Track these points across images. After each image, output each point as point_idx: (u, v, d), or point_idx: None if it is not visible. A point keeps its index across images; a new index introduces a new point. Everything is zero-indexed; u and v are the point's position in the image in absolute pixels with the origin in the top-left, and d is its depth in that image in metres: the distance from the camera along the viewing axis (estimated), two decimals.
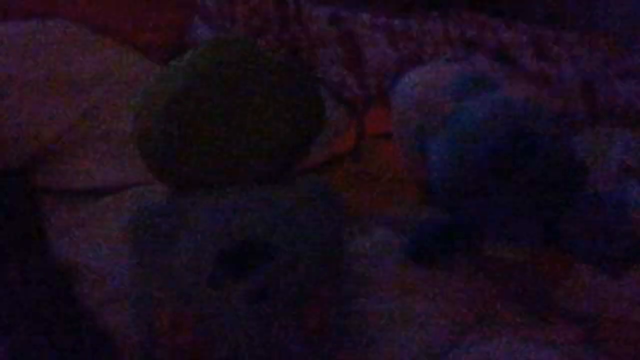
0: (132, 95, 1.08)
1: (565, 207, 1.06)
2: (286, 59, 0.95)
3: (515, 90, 1.16)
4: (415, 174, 1.21)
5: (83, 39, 1.26)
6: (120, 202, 1.11)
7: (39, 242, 1.11)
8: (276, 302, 0.86)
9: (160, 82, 0.93)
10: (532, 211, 1.05)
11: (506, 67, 1.38)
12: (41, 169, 1.18)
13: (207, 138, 0.89)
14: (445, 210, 1.12)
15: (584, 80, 1.54)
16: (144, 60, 1.30)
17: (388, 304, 1.01)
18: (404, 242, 1.10)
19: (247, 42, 0.94)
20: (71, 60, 1.22)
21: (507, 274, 1.05)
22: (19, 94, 1.18)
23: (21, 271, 1.07)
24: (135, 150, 0.93)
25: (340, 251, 0.91)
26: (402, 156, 1.23)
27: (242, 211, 0.87)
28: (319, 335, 0.87)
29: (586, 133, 1.36)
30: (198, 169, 0.89)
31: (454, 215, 1.10)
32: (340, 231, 0.91)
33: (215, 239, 0.86)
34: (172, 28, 1.37)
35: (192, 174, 0.90)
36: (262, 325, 0.86)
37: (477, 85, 1.13)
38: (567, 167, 1.05)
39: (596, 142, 1.31)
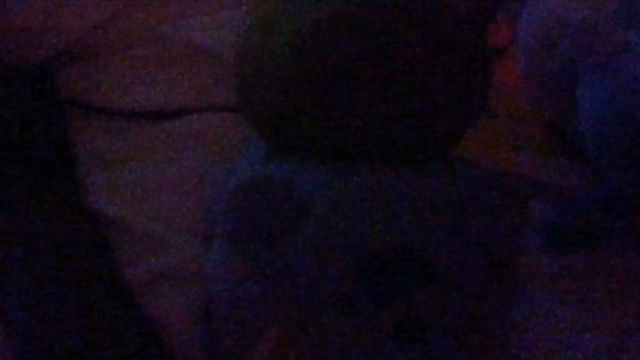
0: None
1: None
2: None
3: None
4: (550, 116, 0.95)
5: None
6: (180, 132, 0.84)
7: (65, 177, 0.84)
8: (434, 339, 0.60)
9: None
10: None
11: None
12: (67, 75, 0.91)
13: (356, 90, 0.61)
14: (598, 174, 0.86)
15: None
16: None
17: (529, 310, 0.76)
18: (539, 214, 0.85)
19: None
20: None
21: None
22: None
23: (46, 218, 0.80)
24: (236, 90, 0.65)
25: (515, 266, 0.65)
26: (528, 89, 0.96)
27: (394, 205, 0.59)
28: None
29: None
30: (337, 133, 0.62)
31: (611, 185, 0.84)
32: (520, 238, 0.65)
33: (354, 243, 0.59)
34: None
35: (324, 139, 0.62)
36: None
37: None
38: None
39: None
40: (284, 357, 0.60)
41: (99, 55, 0.91)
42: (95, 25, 0.93)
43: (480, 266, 0.61)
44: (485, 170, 0.65)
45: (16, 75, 0.91)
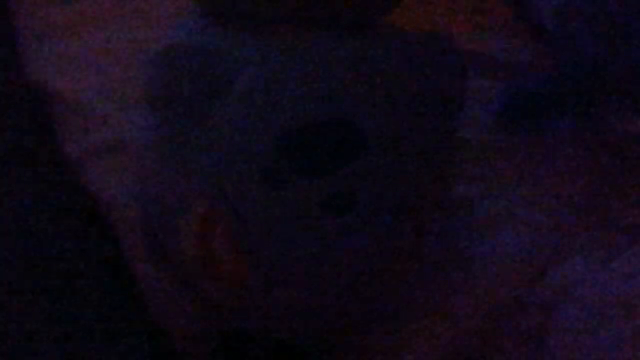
0: None
1: None
2: None
3: None
4: None
5: None
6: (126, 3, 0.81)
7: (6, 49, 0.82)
8: (363, 213, 0.57)
9: None
10: None
11: None
12: None
13: None
14: (554, 52, 0.84)
15: None
16: None
17: (475, 192, 0.75)
18: (492, 93, 0.83)
19: None
20: None
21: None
22: None
23: None
24: None
25: (453, 140, 0.63)
26: None
27: (324, 75, 0.56)
28: (413, 259, 0.61)
29: None
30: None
31: (568, 62, 0.82)
32: (456, 112, 0.62)
33: (279, 113, 0.56)
34: None
35: (256, 5, 0.58)
36: (338, 246, 0.58)
37: None
38: None
39: None
40: (211, 233, 0.59)
41: None
42: None
43: (414, 137, 0.58)
44: (422, 37, 0.61)
45: None
